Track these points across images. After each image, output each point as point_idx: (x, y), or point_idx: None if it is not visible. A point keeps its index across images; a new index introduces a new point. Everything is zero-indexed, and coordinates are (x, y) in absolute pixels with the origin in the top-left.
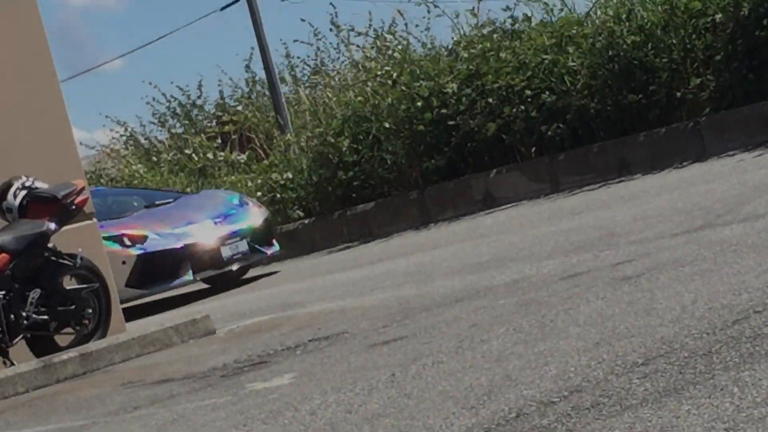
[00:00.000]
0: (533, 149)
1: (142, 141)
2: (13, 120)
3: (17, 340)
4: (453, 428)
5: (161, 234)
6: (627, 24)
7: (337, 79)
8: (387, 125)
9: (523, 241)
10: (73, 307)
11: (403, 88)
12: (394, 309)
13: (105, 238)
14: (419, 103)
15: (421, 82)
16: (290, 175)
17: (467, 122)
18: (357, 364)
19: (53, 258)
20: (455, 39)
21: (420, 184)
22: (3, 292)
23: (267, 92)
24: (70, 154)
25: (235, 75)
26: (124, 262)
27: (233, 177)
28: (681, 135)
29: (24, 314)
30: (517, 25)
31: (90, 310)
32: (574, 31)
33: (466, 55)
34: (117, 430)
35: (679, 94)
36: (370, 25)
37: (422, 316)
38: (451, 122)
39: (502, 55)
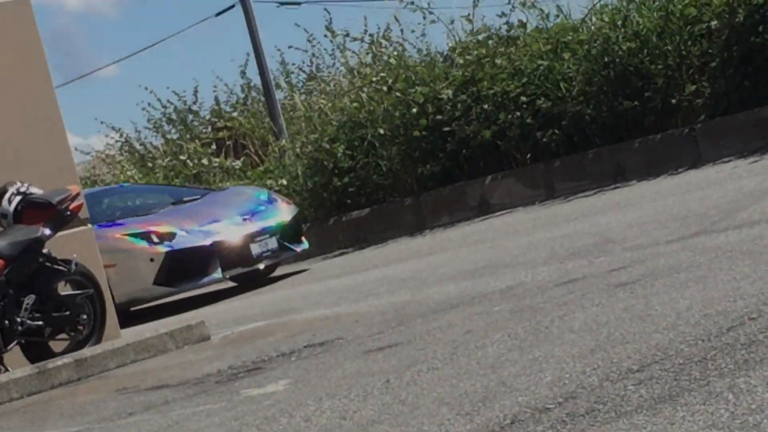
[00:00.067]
0: (528, 155)
1: (137, 147)
2: (8, 125)
3: (12, 345)
4: None
5: (189, 231)
6: (622, 30)
7: (332, 85)
8: (382, 131)
9: (518, 247)
10: (67, 312)
11: (399, 94)
12: (389, 315)
13: (132, 235)
14: (414, 110)
15: (416, 88)
16: (285, 182)
17: (462, 128)
18: (352, 371)
19: (48, 264)
20: (450, 45)
21: (415, 191)
22: None
23: (262, 98)
24: (65, 160)
25: (230, 81)
26: (152, 260)
27: (228, 183)
28: (676, 141)
29: (19, 320)
30: (512, 32)
31: (85, 316)
32: (570, 38)
33: (461, 61)
34: None
35: (674, 100)
36: (366, 31)
37: (417, 323)
38: (446, 128)
39: (498, 61)
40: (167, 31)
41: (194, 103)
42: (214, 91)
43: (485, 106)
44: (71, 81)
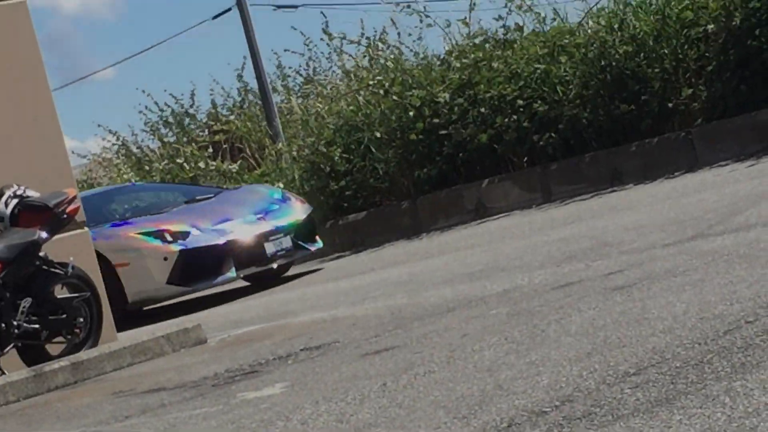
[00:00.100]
0: (525, 159)
1: (134, 150)
2: (5, 128)
3: (8, 348)
4: None
5: (203, 230)
6: (619, 34)
7: (329, 89)
8: (379, 135)
9: (515, 250)
10: (64, 316)
11: (395, 97)
12: (386, 318)
13: (145, 234)
14: (411, 113)
15: (413, 91)
16: (282, 185)
17: (459, 132)
18: (348, 374)
19: (44, 267)
20: (447, 48)
21: (412, 194)
22: None
23: (259, 101)
24: (62, 163)
25: (227, 84)
26: (165, 259)
27: (225, 186)
28: (673, 145)
29: (15, 323)
30: (509, 35)
31: (81, 319)
32: (567, 41)
33: (458, 64)
34: None
35: (671, 104)
36: (363, 34)
37: (414, 326)
38: (443, 132)
39: (494, 64)
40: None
41: (191, 106)
42: (211, 95)
43: (482, 110)
44: (68, 84)
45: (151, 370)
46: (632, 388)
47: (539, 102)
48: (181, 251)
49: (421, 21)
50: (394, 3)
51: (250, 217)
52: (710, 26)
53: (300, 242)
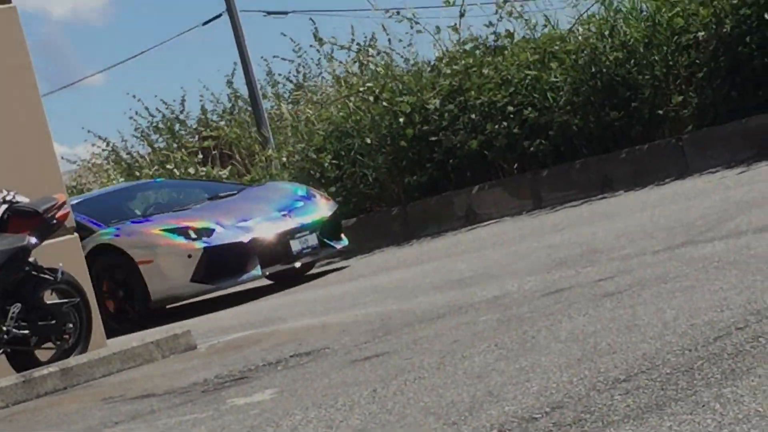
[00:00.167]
0: (515, 165)
1: (124, 156)
2: None
3: None
4: None
5: (227, 227)
6: (610, 40)
7: (319, 95)
8: (369, 141)
9: (505, 257)
10: (53, 321)
11: (385, 103)
12: (375, 325)
13: (169, 231)
14: (401, 119)
15: (403, 97)
16: None
17: (449, 138)
18: (338, 380)
19: (34, 272)
20: (437, 55)
21: (402, 200)
22: None
23: (249, 108)
24: (51, 169)
25: (217, 90)
26: (189, 256)
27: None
28: (663, 152)
29: (4, 329)
30: (499, 41)
31: (71, 325)
32: (557, 47)
33: (448, 70)
34: None
35: (661, 111)
36: (353, 40)
37: (404, 332)
38: (433, 138)
39: (485, 71)
40: (154, 40)
41: (181, 112)
42: (201, 100)
43: (472, 116)
44: (58, 89)
45: (140, 376)
46: (622, 395)
47: (530, 108)
48: (205, 249)
49: (411, 27)
50: (384, 9)
51: (275, 214)
52: (701, 33)
53: (326, 240)
